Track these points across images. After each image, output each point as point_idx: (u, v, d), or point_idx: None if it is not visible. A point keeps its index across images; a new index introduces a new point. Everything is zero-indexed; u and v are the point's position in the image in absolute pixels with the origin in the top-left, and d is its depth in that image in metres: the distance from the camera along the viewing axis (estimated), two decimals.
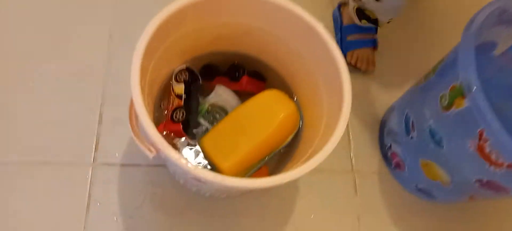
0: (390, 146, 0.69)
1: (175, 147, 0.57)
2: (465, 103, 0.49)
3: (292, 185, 0.67)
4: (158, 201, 0.61)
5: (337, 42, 0.74)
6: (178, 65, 0.58)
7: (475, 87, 0.47)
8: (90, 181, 0.60)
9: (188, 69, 0.58)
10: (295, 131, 0.58)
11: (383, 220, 0.68)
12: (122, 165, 0.62)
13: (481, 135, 0.48)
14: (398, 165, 0.68)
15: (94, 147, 0.63)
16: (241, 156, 0.54)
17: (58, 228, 0.58)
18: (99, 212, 0.59)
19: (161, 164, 0.63)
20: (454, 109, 0.52)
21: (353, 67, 0.75)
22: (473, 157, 0.51)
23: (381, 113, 0.75)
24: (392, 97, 0.72)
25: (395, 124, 0.68)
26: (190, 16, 0.50)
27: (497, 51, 0.66)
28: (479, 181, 0.54)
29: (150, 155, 0.42)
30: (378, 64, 0.77)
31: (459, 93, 0.50)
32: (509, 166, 0.48)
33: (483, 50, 0.66)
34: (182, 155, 0.45)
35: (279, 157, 0.59)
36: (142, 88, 0.44)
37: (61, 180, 0.60)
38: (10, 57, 0.68)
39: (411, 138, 0.63)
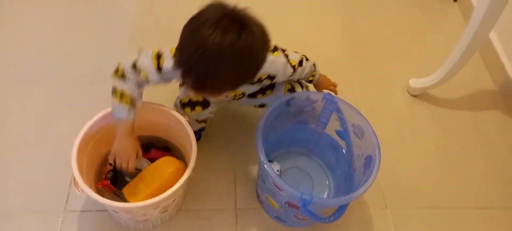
0: (257, 190, 1.04)
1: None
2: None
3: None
4: None
5: None
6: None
7: (260, 153, 0.84)
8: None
9: None
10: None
11: None
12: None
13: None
14: (262, 201, 1.03)
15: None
16: (144, 196, 0.90)
17: None
18: None
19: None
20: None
21: None
22: (275, 188, 0.86)
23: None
24: None
25: (258, 176, 1.04)
26: (110, 119, 0.91)
27: (311, 125, 1.04)
28: (286, 202, 0.89)
29: (78, 193, 0.80)
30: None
31: None
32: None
33: (304, 124, 1.04)
34: (97, 195, 0.82)
35: None
36: (81, 163, 0.83)
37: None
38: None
39: (260, 181, 0.98)
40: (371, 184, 0.83)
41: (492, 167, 1.22)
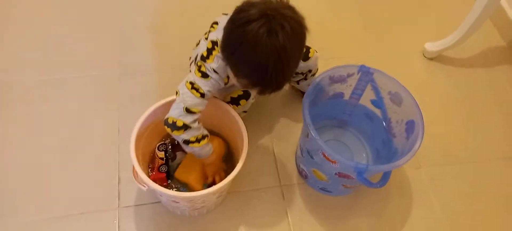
0: (300, 165, 1.09)
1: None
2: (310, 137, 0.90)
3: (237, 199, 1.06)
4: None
5: None
6: (159, 141, 1.01)
7: (311, 129, 0.87)
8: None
9: (164, 143, 1.02)
10: (224, 152, 1.02)
11: (305, 214, 1.05)
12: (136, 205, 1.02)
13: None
14: (305, 176, 1.07)
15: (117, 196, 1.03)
16: (197, 172, 0.97)
17: None
18: None
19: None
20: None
21: None
22: (325, 160, 0.90)
23: (294, 148, 1.15)
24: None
25: (299, 152, 1.08)
26: (159, 113, 0.93)
27: (346, 97, 1.07)
28: (337, 173, 0.93)
29: (144, 189, 0.83)
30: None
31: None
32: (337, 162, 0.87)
33: (338, 97, 1.08)
34: (160, 186, 0.85)
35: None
36: (138, 157, 0.86)
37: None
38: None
39: (304, 157, 1.02)
40: (419, 146, 0.88)
41: (510, 118, 1.29)
